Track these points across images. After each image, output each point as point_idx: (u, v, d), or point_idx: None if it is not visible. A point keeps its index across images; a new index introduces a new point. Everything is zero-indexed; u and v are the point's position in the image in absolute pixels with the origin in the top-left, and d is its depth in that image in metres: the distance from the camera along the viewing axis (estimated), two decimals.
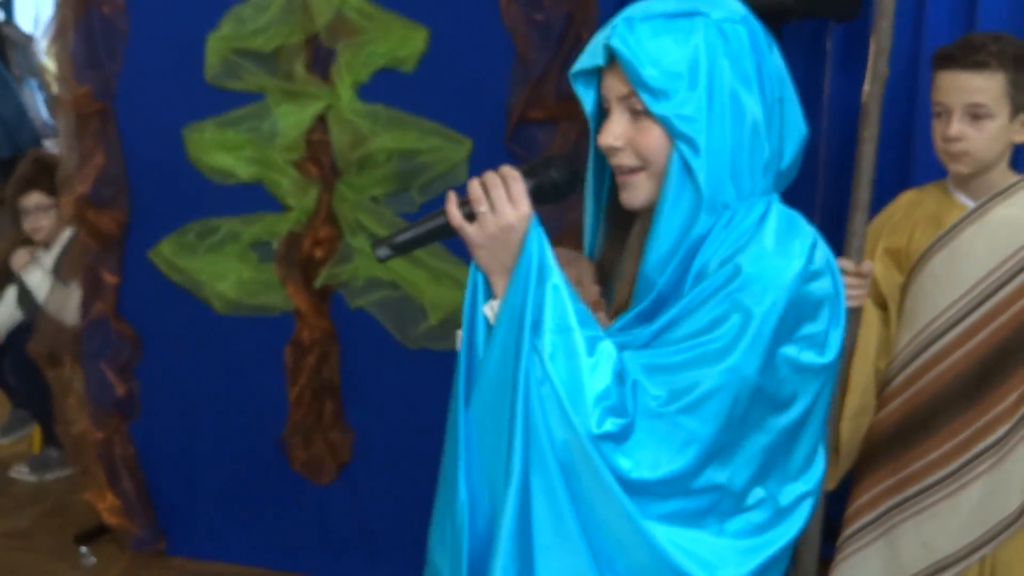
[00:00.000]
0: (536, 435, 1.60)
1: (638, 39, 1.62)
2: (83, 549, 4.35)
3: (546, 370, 1.59)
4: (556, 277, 1.63)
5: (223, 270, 4.08)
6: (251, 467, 4.17)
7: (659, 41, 1.61)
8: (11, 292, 5.41)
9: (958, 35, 2.86)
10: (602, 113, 1.77)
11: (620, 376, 1.61)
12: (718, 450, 1.61)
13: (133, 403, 4.26)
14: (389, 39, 3.79)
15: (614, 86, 1.69)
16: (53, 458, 5.20)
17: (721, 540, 1.65)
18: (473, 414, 1.69)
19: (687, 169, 1.62)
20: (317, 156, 3.94)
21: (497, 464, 1.65)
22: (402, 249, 1.73)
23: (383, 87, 3.84)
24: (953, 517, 2.58)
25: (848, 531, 2.74)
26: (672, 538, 1.61)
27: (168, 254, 4.10)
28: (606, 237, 1.93)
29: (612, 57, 1.68)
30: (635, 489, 1.58)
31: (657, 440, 1.59)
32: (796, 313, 1.60)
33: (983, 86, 2.48)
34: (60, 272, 4.75)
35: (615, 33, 1.63)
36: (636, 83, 1.62)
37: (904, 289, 2.66)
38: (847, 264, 2.52)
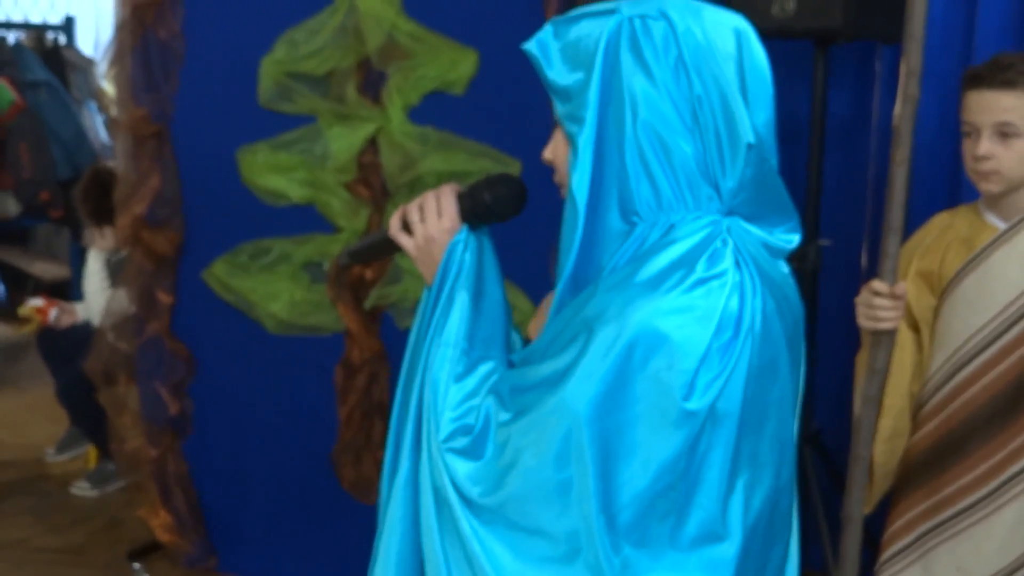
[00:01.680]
0: (425, 427, 1.63)
1: (550, 39, 1.60)
2: (136, 565, 4.40)
3: (432, 380, 1.64)
4: (465, 293, 1.66)
5: (275, 290, 4.12)
6: (301, 486, 4.19)
7: (571, 40, 1.58)
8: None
9: None
10: None
11: (482, 397, 1.62)
12: (558, 487, 1.50)
13: (186, 421, 4.31)
14: (439, 62, 3.83)
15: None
16: (110, 470, 5.25)
17: None
18: (398, 396, 1.74)
19: (574, 171, 1.56)
20: (368, 178, 3.98)
21: (396, 444, 1.72)
22: (355, 257, 1.87)
23: (433, 109, 3.87)
24: (988, 540, 2.57)
25: (885, 555, 2.73)
26: (508, 560, 1.54)
27: (221, 274, 4.15)
28: None
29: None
30: (478, 510, 1.56)
31: (496, 461, 1.56)
32: (646, 351, 1.46)
33: (1012, 105, 2.50)
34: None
35: (536, 36, 1.61)
36: (545, 84, 1.61)
37: (937, 311, 2.66)
38: (881, 286, 2.50)
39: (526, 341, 1.84)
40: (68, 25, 7.95)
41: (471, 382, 1.64)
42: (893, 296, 2.52)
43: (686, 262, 1.50)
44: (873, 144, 3.94)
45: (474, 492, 1.55)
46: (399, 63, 3.90)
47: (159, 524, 4.38)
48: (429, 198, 1.73)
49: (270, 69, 4.01)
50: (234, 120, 4.08)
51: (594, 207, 1.56)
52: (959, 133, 2.69)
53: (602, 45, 1.54)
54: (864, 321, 2.57)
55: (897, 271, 2.56)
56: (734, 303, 1.50)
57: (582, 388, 1.47)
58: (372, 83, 3.97)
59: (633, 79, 1.53)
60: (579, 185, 1.55)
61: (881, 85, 3.92)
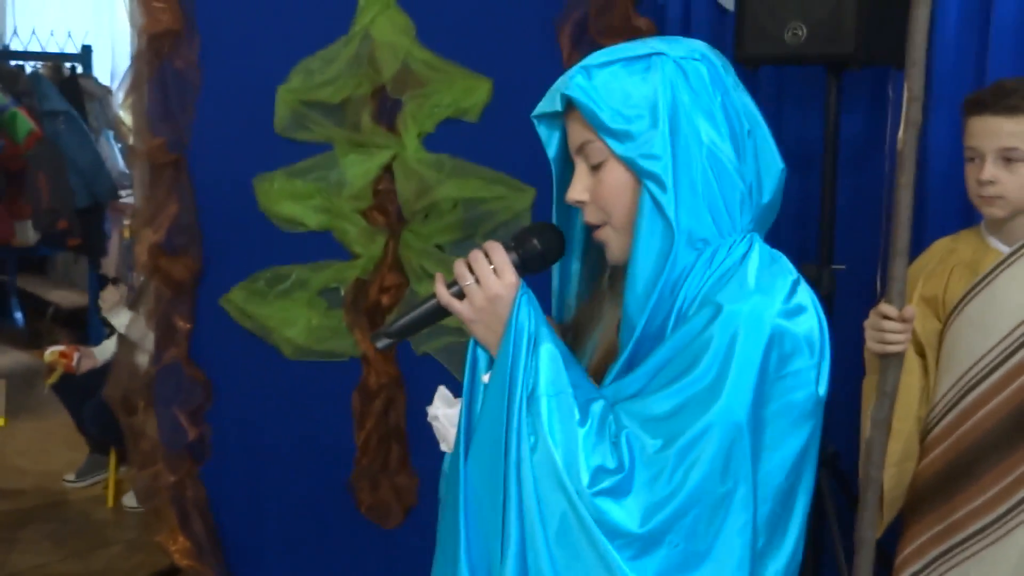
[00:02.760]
0: (528, 509, 1.59)
1: (596, 85, 1.63)
2: None
3: (540, 434, 1.58)
4: (549, 342, 1.64)
5: (292, 316, 4.14)
6: (319, 511, 4.20)
7: (618, 84, 1.63)
8: (112, 340, 5.56)
9: None
10: (567, 161, 1.78)
11: (614, 434, 1.60)
12: (713, 498, 1.56)
13: (204, 447, 4.32)
14: (453, 90, 3.87)
15: (573, 134, 1.71)
16: (98, 461, 5.38)
17: None
18: (469, 474, 1.68)
19: (657, 207, 1.61)
20: (383, 205, 4.01)
21: (493, 537, 1.63)
22: (398, 335, 1.77)
23: (448, 137, 3.91)
24: (1000, 564, 2.56)
25: None
26: None
27: (239, 301, 4.17)
28: (585, 293, 1.94)
29: (571, 105, 1.68)
30: (632, 544, 1.55)
31: (655, 489, 1.55)
32: (780, 350, 1.58)
33: (1015, 130, 2.51)
34: None
35: (572, 82, 1.65)
36: (598, 127, 1.63)
37: (942, 336, 2.66)
38: (890, 309, 2.53)
39: None
40: (85, 55, 7.97)
41: (592, 424, 1.60)
42: (902, 319, 2.55)
43: (775, 268, 1.65)
44: (886, 168, 3.95)
45: (634, 524, 1.55)
46: (414, 91, 3.94)
47: (177, 549, 4.37)
48: (479, 259, 1.68)
49: (286, 97, 4.04)
50: (250, 148, 4.11)
51: (678, 238, 1.63)
52: None
53: (663, 88, 1.62)
54: (873, 344, 2.60)
55: (905, 294, 2.59)
56: (816, 299, 1.66)
57: (738, 400, 1.55)
58: (387, 111, 4.01)
59: (695, 117, 1.63)
60: (676, 217, 1.61)
61: (893, 110, 3.91)
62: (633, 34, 3.74)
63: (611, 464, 1.56)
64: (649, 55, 1.65)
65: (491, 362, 1.70)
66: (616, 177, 1.67)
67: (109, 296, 5.57)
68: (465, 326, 1.72)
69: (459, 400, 1.80)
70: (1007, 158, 2.54)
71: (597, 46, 3.76)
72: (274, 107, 4.06)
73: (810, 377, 1.61)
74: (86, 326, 7.71)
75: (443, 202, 3.94)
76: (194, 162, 4.18)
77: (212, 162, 4.17)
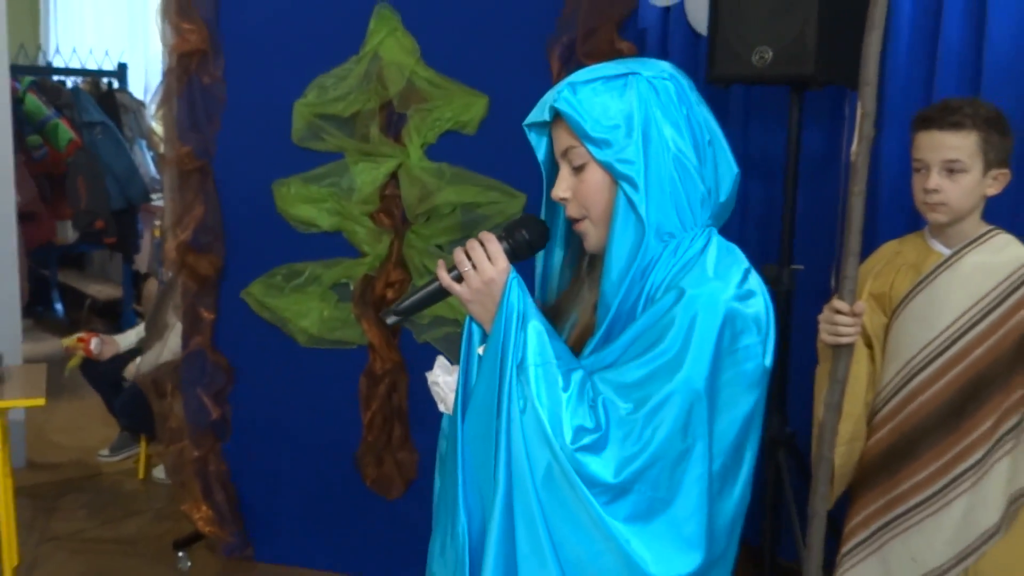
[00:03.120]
0: (517, 459, 1.67)
1: (580, 99, 1.71)
2: (180, 554, 4.41)
3: (528, 398, 1.66)
4: (536, 319, 1.72)
5: (306, 308, 4.15)
6: (329, 483, 4.22)
7: (599, 99, 1.71)
8: (135, 330, 5.57)
9: None
10: (553, 163, 1.85)
11: (591, 399, 1.68)
12: (677, 454, 1.65)
13: (226, 425, 4.33)
14: (453, 105, 3.88)
15: (559, 140, 1.79)
16: (129, 439, 5.36)
17: (676, 531, 1.67)
18: (467, 435, 1.76)
19: (631, 204, 1.70)
20: (389, 208, 4.03)
21: (486, 483, 1.72)
22: (405, 313, 1.85)
23: (448, 147, 3.92)
24: (938, 533, 2.57)
25: (845, 549, 2.73)
26: (634, 535, 1.64)
27: (258, 294, 4.19)
28: (569, 279, 1.99)
29: (557, 115, 1.76)
30: (607, 492, 1.63)
31: (626, 445, 1.64)
32: (733, 328, 1.67)
33: (959, 144, 2.52)
34: None
35: (560, 96, 1.73)
36: (581, 135, 1.72)
37: (888, 329, 2.67)
38: (842, 305, 2.54)
39: None
40: (121, 71, 7.96)
41: (574, 390, 1.68)
42: (853, 314, 2.56)
43: (729, 258, 1.75)
44: (842, 179, 3.96)
45: (609, 475, 1.64)
46: (418, 106, 3.94)
47: (201, 517, 4.39)
48: (475, 247, 1.76)
49: (302, 111, 4.05)
50: (270, 156, 4.11)
51: (647, 231, 1.72)
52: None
53: (637, 101, 1.71)
54: (826, 336, 2.60)
55: (856, 291, 2.59)
56: (763, 284, 1.76)
57: (696, 370, 1.65)
58: (393, 124, 4.01)
59: (663, 127, 1.72)
60: (647, 213, 1.71)
61: (849, 125, 3.94)
62: (616, 56, 3.74)
63: (590, 424, 1.66)
64: (626, 74, 1.74)
65: (484, 337, 1.78)
66: (596, 178, 1.75)
67: (150, 289, 5.56)
68: (463, 305, 1.79)
69: (456, 368, 1.85)
70: (950, 169, 2.54)
71: (584, 66, 3.77)
72: (291, 119, 4.07)
73: (758, 351, 1.71)
74: (120, 316, 7.72)
75: (443, 206, 3.94)
76: (219, 168, 4.19)
77: (235, 168, 4.18)
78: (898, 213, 3.66)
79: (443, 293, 1.82)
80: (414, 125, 3.96)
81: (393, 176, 4.02)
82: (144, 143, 7.70)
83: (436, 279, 1.81)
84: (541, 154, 1.89)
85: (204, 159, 4.18)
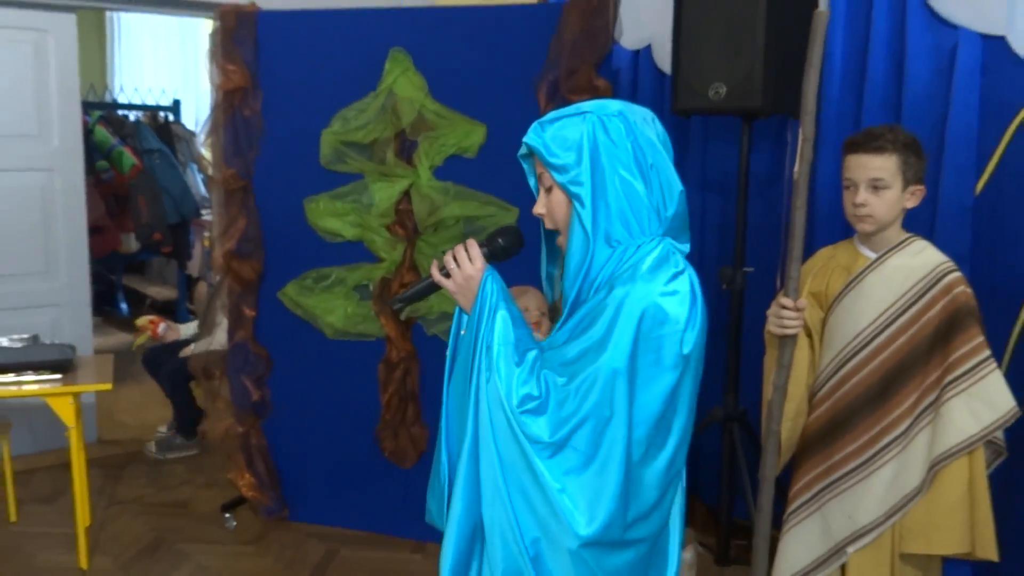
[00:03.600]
0: (482, 417, 1.79)
1: (544, 135, 1.82)
2: (227, 515, 4.41)
3: (491, 370, 1.78)
4: (503, 309, 1.83)
5: (333, 306, 4.16)
6: (353, 454, 4.23)
7: (560, 133, 1.81)
8: (193, 323, 5.54)
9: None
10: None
11: (537, 373, 1.78)
12: (599, 420, 1.73)
13: (265, 406, 4.33)
14: (456, 133, 3.90)
15: (536, 167, 1.91)
16: (176, 444, 5.27)
17: (601, 481, 1.74)
18: (449, 397, 1.89)
19: (579, 218, 1.79)
20: (403, 221, 4.04)
21: (462, 434, 1.84)
22: (407, 301, 1.98)
23: (452, 169, 3.94)
24: (870, 494, 2.57)
25: (790, 509, 2.74)
26: (568, 483, 1.75)
27: (292, 294, 4.19)
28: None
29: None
30: (547, 448, 1.75)
31: (560, 411, 1.75)
32: (652, 319, 1.73)
33: (882, 165, 2.52)
34: None
35: (530, 133, 1.85)
36: (545, 163, 1.82)
37: (824, 322, 2.68)
38: (787, 301, 2.55)
39: None
40: (175, 106, 7.96)
41: (526, 366, 1.78)
42: (796, 309, 2.56)
43: (663, 263, 1.79)
44: (786, 195, 3.96)
45: (545, 434, 1.74)
46: (426, 134, 3.95)
47: (244, 484, 4.40)
48: (459, 250, 1.87)
49: (328, 139, 4.06)
50: (301, 177, 4.12)
51: (595, 239, 1.79)
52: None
53: (587, 135, 1.79)
54: (774, 328, 2.61)
55: (799, 289, 2.59)
56: (694, 286, 1.79)
57: (618, 350, 1.72)
58: (406, 149, 4.02)
59: (611, 157, 1.79)
60: (591, 224, 1.79)
61: (791, 150, 3.92)
62: (594, 92, 3.75)
63: (535, 393, 1.77)
64: (581, 113, 1.82)
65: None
66: (559, 197, 1.85)
67: (200, 291, 5.55)
68: (452, 296, 1.90)
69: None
70: (875, 186, 2.55)
71: (567, 100, 3.78)
72: (320, 146, 4.07)
73: (675, 340, 1.75)
74: (175, 314, 7.71)
75: (448, 219, 3.95)
76: (258, 188, 4.20)
77: (272, 188, 4.18)
78: (832, 223, 3.66)
79: (435, 286, 1.92)
80: (423, 150, 3.97)
81: (406, 193, 4.03)
82: (195, 167, 7.71)
83: (430, 276, 1.92)
84: (532, 181, 1.97)
85: (246, 180, 4.19)
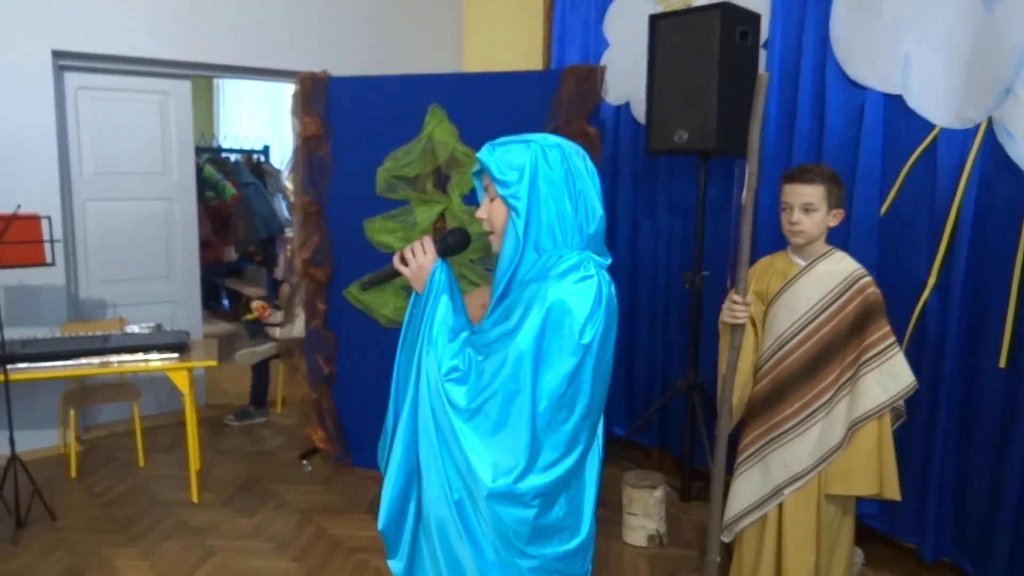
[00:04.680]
0: (422, 381, 1.69)
1: (494, 155, 1.70)
2: (304, 462, 4.41)
3: (431, 344, 1.69)
4: (445, 295, 1.73)
5: (385, 301, 4.14)
6: None
7: (506, 155, 1.69)
8: (301, 317, 5.53)
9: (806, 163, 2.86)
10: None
11: (464, 350, 1.68)
12: (507, 394, 1.63)
13: (333, 378, 4.31)
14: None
15: (485, 180, 1.79)
16: (251, 412, 5.17)
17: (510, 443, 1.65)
18: (398, 363, 1.78)
19: (514, 226, 1.68)
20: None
21: (404, 392, 1.75)
22: (373, 283, 1.89)
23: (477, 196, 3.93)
24: (802, 448, 2.55)
25: (739, 459, 2.71)
26: (477, 445, 1.65)
27: (354, 292, 4.17)
28: None
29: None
30: (465, 413, 1.65)
31: (478, 384, 1.65)
32: (557, 313, 1.61)
33: (812, 192, 2.50)
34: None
35: (482, 152, 1.73)
36: (492, 178, 1.70)
37: (765, 315, 2.64)
38: (738, 297, 2.52)
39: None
40: (265, 150, 8.00)
41: (457, 343, 1.69)
42: (745, 303, 2.54)
43: (575, 268, 1.66)
44: (734, 216, 3.93)
45: (463, 402, 1.65)
46: (458, 169, 3.93)
47: (318, 438, 4.38)
48: (416, 244, 1.78)
49: (382, 174, 4.03)
50: (362, 203, 4.09)
51: (525, 245, 1.68)
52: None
53: (529, 160, 1.67)
54: (727, 318, 2.57)
55: (746, 288, 2.57)
56: (600, 289, 1.66)
57: (526, 336, 1.61)
58: (442, 181, 3.99)
59: (546, 179, 1.67)
60: (523, 233, 1.67)
61: (738, 181, 3.92)
62: (586, 137, 3.73)
63: (461, 367, 1.67)
64: (527, 142, 1.70)
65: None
66: (500, 208, 1.74)
67: (284, 290, 5.52)
68: (409, 281, 1.79)
69: None
70: (806, 209, 2.52)
71: None
72: (376, 179, 4.05)
73: (575, 331, 1.62)
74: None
75: (474, 235, 3.86)
76: (329, 211, 4.17)
77: (339, 211, 4.15)
78: (770, 237, 3.63)
79: (396, 272, 1.83)
80: (455, 182, 3.95)
81: (442, 215, 4.00)
82: (280, 195, 7.73)
83: (391, 264, 1.83)
84: (479, 193, 1.87)
85: (319, 205, 4.16)
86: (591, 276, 1.66)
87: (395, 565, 1.79)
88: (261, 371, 5.25)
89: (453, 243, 1.83)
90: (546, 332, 1.62)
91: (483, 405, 1.64)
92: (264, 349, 5.08)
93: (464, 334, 1.72)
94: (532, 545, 1.70)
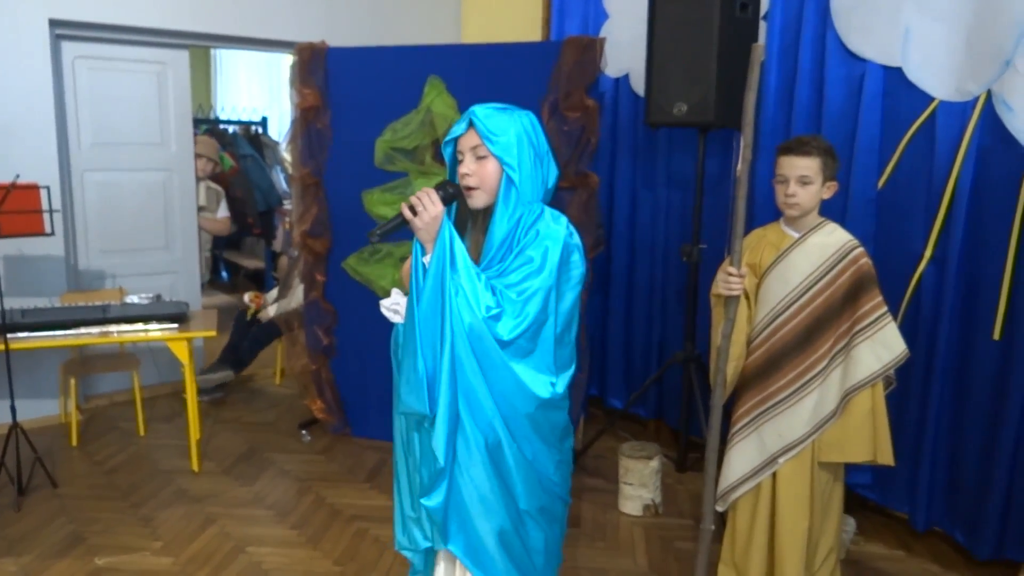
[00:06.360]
0: (456, 323, 1.83)
1: (486, 118, 1.91)
2: (303, 432, 4.46)
3: (459, 287, 1.83)
4: (459, 242, 1.85)
5: (383, 273, 4.15)
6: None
7: (497, 120, 1.91)
8: (299, 289, 5.54)
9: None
10: (455, 159, 1.99)
11: (492, 289, 1.86)
12: (540, 322, 1.88)
13: (332, 349, 4.33)
14: None
15: (468, 142, 1.94)
16: (213, 370, 5.02)
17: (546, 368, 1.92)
18: (421, 313, 1.84)
19: (511, 182, 1.90)
20: None
21: (436, 339, 1.84)
22: (382, 235, 1.92)
23: None
24: (796, 418, 2.57)
25: (733, 429, 2.73)
26: (522, 369, 1.89)
27: (352, 264, 4.19)
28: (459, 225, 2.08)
29: (471, 126, 1.92)
30: (505, 345, 1.86)
31: (514, 318, 1.85)
32: (567, 250, 1.92)
33: (808, 165, 2.51)
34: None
35: (475, 115, 1.91)
36: (484, 138, 1.90)
37: (758, 286, 2.65)
38: (732, 269, 2.51)
39: None
40: (263, 121, 7.99)
41: (484, 284, 1.85)
42: (739, 275, 2.53)
43: (560, 218, 1.94)
44: (731, 188, 3.93)
45: (507, 335, 1.85)
46: None
47: (317, 408, 4.41)
48: (423, 195, 1.87)
49: (380, 145, 4.03)
50: (360, 175, 4.10)
51: (519, 197, 1.91)
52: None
53: (517, 125, 1.91)
54: (721, 289, 2.57)
55: (740, 260, 2.58)
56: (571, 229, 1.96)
57: (550, 272, 1.88)
58: (439, 153, 3.97)
59: (530, 143, 1.92)
60: (519, 186, 1.89)
61: (735, 154, 3.92)
62: (585, 110, 3.73)
63: (493, 304, 1.85)
64: (508, 110, 1.94)
65: (424, 253, 1.87)
66: (492, 164, 1.92)
67: (282, 262, 5.54)
68: (415, 231, 1.88)
69: (406, 296, 1.95)
70: (802, 181, 2.53)
71: (565, 116, 3.75)
72: (374, 150, 4.05)
73: (580, 264, 1.96)
74: (263, 280, 7.72)
75: None
76: (327, 183, 4.18)
77: (338, 183, 4.16)
78: (766, 210, 3.65)
79: (404, 222, 1.89)
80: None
81: None
82: (279, 167, 7.73)
83: (401, 214, 1.89)
84: (449, 155, 2.01)
85: (318, 177, 4.17)
86: (568, 220, 1.95)
87: (433, 501, 1.94)
88: (241, 330, 5.17)
89: (453, 192, 1.94)
90: (561, 268, 1.89)
91: (521, 335, 1.86)
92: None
93: (484, 275, 1.87)
94: (565, 440, 2.05)
